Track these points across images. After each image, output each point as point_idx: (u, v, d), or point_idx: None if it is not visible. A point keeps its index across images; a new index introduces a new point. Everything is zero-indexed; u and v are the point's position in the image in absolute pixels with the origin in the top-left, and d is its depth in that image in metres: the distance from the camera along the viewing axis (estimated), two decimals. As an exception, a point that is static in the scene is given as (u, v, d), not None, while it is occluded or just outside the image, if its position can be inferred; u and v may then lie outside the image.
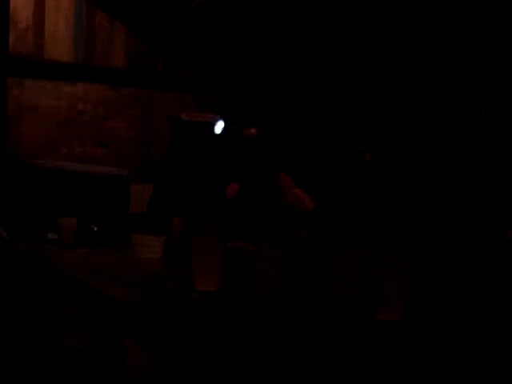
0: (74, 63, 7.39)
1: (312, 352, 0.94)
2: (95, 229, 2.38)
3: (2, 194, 2.52)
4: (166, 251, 1.70)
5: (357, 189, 2.40)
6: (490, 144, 4.20)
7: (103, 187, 2.65)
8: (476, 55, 4.41)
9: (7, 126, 6.86)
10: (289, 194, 2.69)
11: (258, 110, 7.28)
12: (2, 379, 2.15)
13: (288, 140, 5.98)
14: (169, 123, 8.06)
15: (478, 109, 4.36)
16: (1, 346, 2.18)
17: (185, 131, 8.08)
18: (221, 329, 1.09)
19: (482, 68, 4.37)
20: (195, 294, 1.40)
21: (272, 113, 6.84)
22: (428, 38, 4.76)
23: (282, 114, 6.73)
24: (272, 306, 1.28)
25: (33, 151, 6.87)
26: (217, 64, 7.63)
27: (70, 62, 7.36)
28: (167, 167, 7.62)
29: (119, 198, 2.64)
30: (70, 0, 7.31)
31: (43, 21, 7.16)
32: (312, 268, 1.73)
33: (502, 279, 1.63)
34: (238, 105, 7.73)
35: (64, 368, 2.51)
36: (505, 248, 2.20)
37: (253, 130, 2.86)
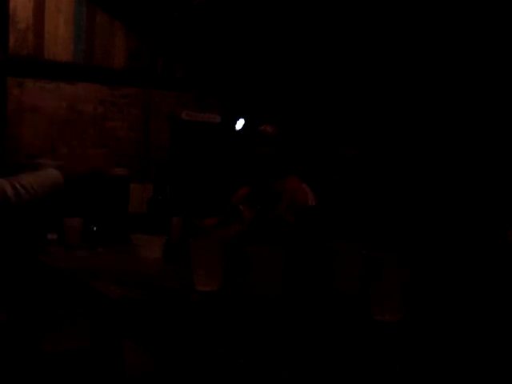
0: (74, 63, 7.38)
1: (311, 352, 0.94)
2: (95, 229, 2.38)
3: None
4: (166, 251, 1.69)
5: (358, 189, 2.40)
6: (490, 144, 4.20)
7: (103, 187, 2.65)
8: (476, 55, 4.42)
9: (7, 126, 6.86)
10: (294, 190, 2.63)
11: (259, 108, 7.28)
12: (3, 380, 2.15)
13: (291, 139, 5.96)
14: (169, 123, 8.06)
15: (478, 109, 4.36)
16: (2, 348, 2.18)
17: (185, 131, 8.07)
18: (221, 329, 1.09)
19: (482, 68, 4.37)
20: (195, 294, 1.40)
21: (272, 112, 6.84)
22: (428, 38, 4.76)
23: (282, 114, 6.73)
24: (272, 306, 1.28)
25: (33, 151, 6.86)
26: (217, 64, 7.62)
27: (70, 62, 7.36)
28: (167, 167, 7.62)
29: (119, 197, 2.64)
30: (69, 0, 7.31)
31: (43, 21, 7.15)
32: (313, 268, 1.73)
33: (502, 279, 1.63)
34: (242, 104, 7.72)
35: (64, 368, 2.51)
36: (505, 248, 2.20)
37: (269, 128, 2.73)
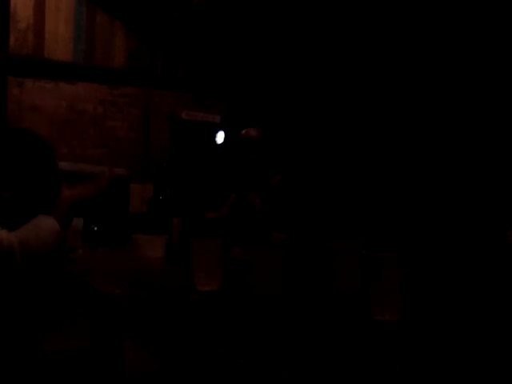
0: (74, 63, 7.38)
1: (311, 352, 0.94)
2: (95, 229, 2.38)
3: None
4: (167, 251, 1.69)
5: (357, 188, 2.41)
6: (490, 144, 4.20)
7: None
8: (476, 55, 4.42)
9: (7, 126, 6.86)
10: None
11: (259, 109, 7.28)
12: (3, 380, 2.15)
13: (288, 140, 5.98)
14: (169, 123, 8.06)
15: (478, 109, 4.36)
16: (1, 348, 2.18)
17: (185, 131, 8.08)
18: (221, 329, 1.09)
19: (482, 68, 4.37)
20: (195, 294, 1.40)
21: (272, 113, 6.84)
22: (428, 38, 4.76)
23: (282, 114, 6.73)
24: (272, 306, 1.28)
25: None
26: (217, 64, 7.62)
27: (70, 62, 7.36)
28: (167, 167, 7.61)
29: (119, 197, 2.64)
30: (69, 0, 7.31)
31: (43, 21, 7.15)
32: (313, 268, 1.73)
33: (502, 279, 1.63)
34: (241, 105, 7.73)
35: (64, 368, 2.51)
36: (505, 248, 2.20)
37: (253, 132, 2.75)
